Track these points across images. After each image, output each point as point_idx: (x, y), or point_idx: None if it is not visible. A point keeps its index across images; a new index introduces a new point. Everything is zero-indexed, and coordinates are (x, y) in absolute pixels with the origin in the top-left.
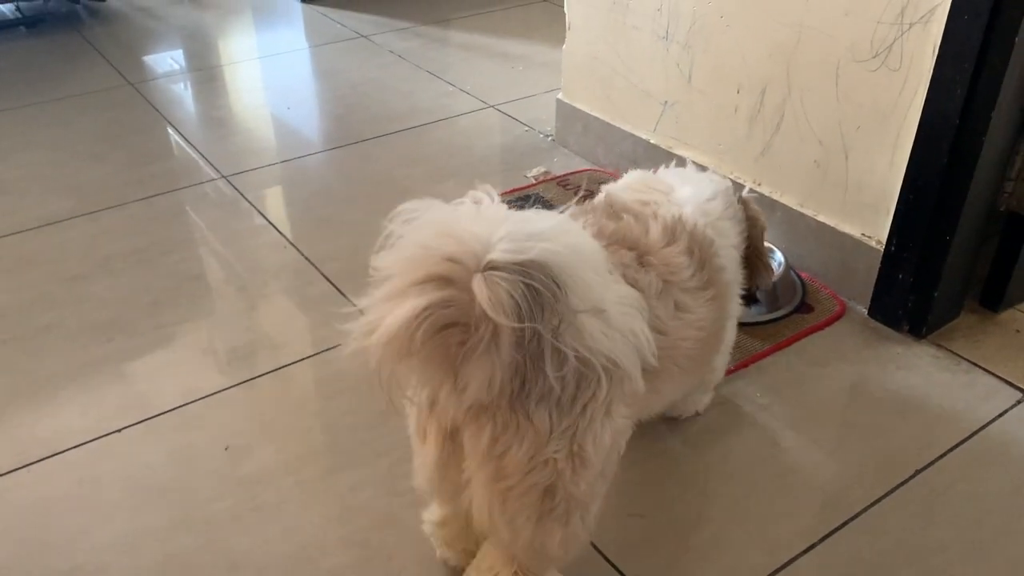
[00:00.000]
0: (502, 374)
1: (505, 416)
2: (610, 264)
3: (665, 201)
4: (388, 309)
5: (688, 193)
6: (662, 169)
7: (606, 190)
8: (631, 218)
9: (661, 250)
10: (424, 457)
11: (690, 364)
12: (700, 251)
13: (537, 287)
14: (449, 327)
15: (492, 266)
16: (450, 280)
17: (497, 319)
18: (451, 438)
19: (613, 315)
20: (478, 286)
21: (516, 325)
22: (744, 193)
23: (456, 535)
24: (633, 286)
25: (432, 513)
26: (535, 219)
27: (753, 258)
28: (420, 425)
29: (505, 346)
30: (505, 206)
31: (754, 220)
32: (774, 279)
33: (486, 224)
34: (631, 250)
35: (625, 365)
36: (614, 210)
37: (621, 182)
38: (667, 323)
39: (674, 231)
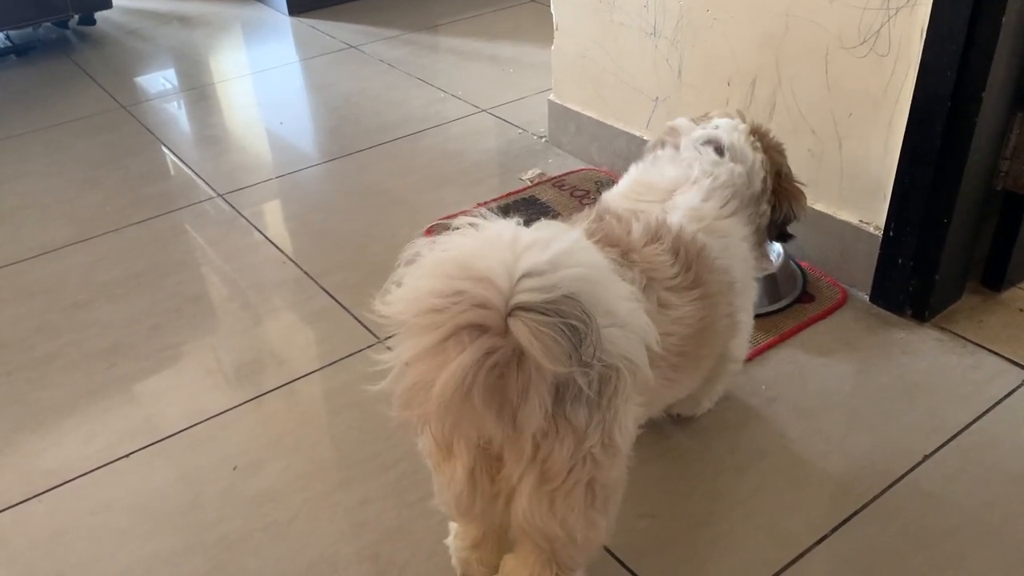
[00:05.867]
0: (549, 399)
1: (545, 423)
2: (610, 263)
3: (657, 210)
4: (432, 367)
5: (679, 201)
6: (657, 157)
7: (601, 199)
8: (613, 219)
9: (643, 248)
10: (452, 473)
11: (679, 360)
12: (686, 253)
13: (575, 324)
14: (496, 367)
15: (524, 307)
16: (484, 327)
17: (551, 367)
18: (483, 450)
19: (623, 314)
20: (522, 335)
21: (567, 370)
22: (753, 123)
23: (492, 553)
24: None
25: (462, 538)
26: (545, 239)
27: (785, 185)
28: (443, 441)
29: (551, 381)
30: (507, 222)
31: (777, 148)
32: (773, 270)
33: (501, 255)
34: (614, 247)
35: (637, 359)
36: (599, 213)
37: (617, 188)
38: (653, 318)
39: (657, 231)
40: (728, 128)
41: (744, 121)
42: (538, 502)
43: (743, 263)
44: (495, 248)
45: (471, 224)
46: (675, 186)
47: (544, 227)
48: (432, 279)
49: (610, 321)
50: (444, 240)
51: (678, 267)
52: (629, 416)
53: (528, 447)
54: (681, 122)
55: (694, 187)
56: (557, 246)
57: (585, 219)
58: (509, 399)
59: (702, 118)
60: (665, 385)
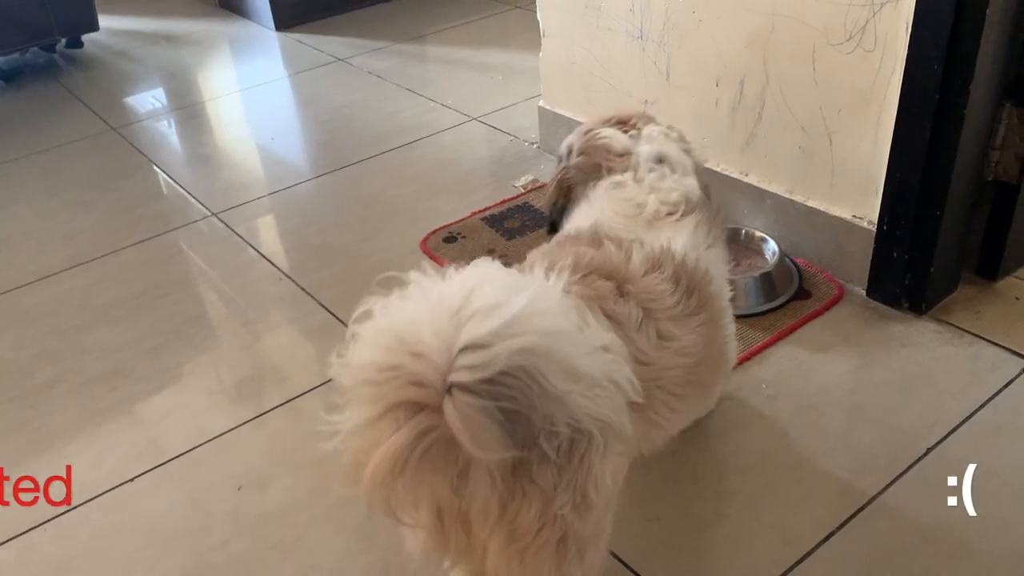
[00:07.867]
0: (500, 471)
1: (510, 485)
2: (585, 313)
3: (662, 237)
4: (368, 444)
5: (672, 235)
6: (619, 184)
7: (595, 220)
8: (613, 246)
9: (641, 278)
10: (419, 539)
11: (685, 390)
12: (688, 279)
13: (512, 408)
14: (435, 444)
15: (459, 386)
16: (420, 405)
17: (480, 456)
18: (448, 511)
19: (595, 372)
20: (452, 419)
21: (500, 457)
22: (667, 125)
23: None
24: (611, 319)
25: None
26: (494, 304)
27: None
28: (390, 516)
29: (496, 464)
30: (463, 280)
31: (688, 144)
32: (769, 269)
33: (441, 327)
34: (609, 279)
35: (612, 419)
36: (598, 237)
37: (610, 210)
38: (650, 354)
39: (659, 259)
40: (660, 139)
41: (656, 123)
42: (507, 560)
43: (724, 281)
44: (436, 317)
45: (420, 285)
46: (654, 217)
47: (502, 286)
48: (371, 351)
49: (572, 385)
50: (389, 304)
51: (679, 295)
52: (607, 470)
53: (494, 508)
54: (612, 135)
55: (679, 224)
56: (506, 312)
57: (569, 241)
58: (457, 469)
59: (612, 122)
60: (669, 419)
